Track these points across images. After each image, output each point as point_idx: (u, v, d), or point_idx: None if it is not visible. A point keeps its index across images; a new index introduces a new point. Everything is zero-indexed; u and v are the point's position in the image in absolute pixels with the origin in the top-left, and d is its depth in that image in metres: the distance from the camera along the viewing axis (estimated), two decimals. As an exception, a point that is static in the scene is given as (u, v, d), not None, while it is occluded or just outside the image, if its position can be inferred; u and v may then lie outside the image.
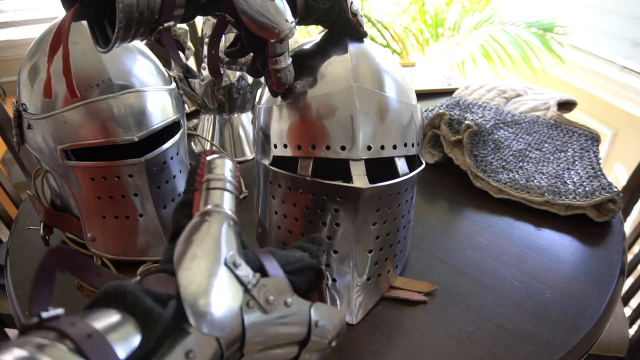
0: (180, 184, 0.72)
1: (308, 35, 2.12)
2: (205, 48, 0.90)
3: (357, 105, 0.56)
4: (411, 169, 0.61)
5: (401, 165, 0.60)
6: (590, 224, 0.80)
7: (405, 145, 0.60)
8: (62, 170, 0.66)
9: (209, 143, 0.98)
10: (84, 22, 0.62)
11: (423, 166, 0.63)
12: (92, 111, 0.63)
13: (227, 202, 0.39)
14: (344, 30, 0.61)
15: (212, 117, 0.98)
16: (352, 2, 0.59)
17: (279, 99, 0.60)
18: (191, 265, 0.34)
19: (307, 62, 0.60)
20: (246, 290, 0.36)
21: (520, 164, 0.92)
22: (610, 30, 1.83)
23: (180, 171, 0.72)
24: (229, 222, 0.38)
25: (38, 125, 0.64)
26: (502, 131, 1.00)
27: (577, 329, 0.61)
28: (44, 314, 0.29)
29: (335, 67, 0.58)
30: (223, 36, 0.65)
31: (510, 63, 2.07)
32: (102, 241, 0.69)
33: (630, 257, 1.05)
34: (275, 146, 0.60)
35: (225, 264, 0.35)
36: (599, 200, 0.79)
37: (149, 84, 0.67)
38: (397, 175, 0.59)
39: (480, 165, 0.90)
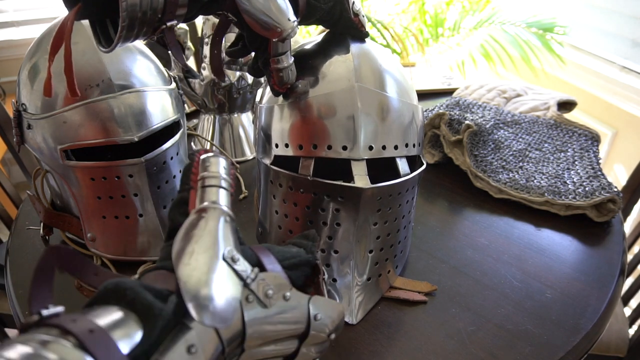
0: (180, 184, 0.72)
1: (308, 36, 2.12)
2: (205, 48, 0.90)
3: (359, 105, 0.56)
4: (412, 169, 0.61)
5: (402, 165, 0.60)
6: (590, 224, 0.80)
7: (407, 145, 0.60)
8: (62, 170, 0.66)
9: (208, 143, 0.98)
10: (84, 22, 0.62)
11: (424, 166, 0.63)
12: (92, 111, 0.63)
13: (223, 199, 0.39)
14: (346, 30, 0.61)
15: (212, 117, 0.98)
16: (353, 2, 0.59)
17: (280, 98, 0.60)
18: (190, 261, 0.34)
19: (309, 61, 0.60)
20: (245, 284, 0.36)
21: (520, 164, 0.92)
22: (610, 30, 1.84)
23: (180, 171, 0.72)
24: (226, 218, 0.38)
25: (38, 125, 0.64)
26: (502, 131, 1.00)
27: (577, 329, 0.61)
28: (45, 312, 0.29)
29: (337, 67, 0.59)
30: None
31: (510, 63, 2.07)
32: (102, 241, 0.69)
33: (630, 257, 1.05)
34: (277, 146, 0.60)
35: (224, 259, 0.36)
36: (599, 200, 0.79)
37: (149, 84, 0.67)
38: (398, 176, 0.59)
39: (480, 165, 0.90)
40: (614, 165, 1.82)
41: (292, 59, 0.56)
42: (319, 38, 0.64)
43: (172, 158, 0.70)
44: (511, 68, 2.10)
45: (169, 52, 0.87)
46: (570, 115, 1.09)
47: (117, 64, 0.64)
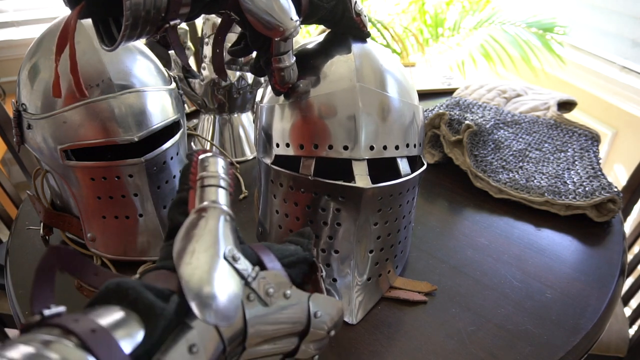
0: (181, 184, 0.72)
1: (308, 35, 2.12)
2: (206, 48, 0.90)
3: (360, 105, 0.56)
4: (413, 170, 0.61)
5: (403, 165, 0.60)
6: (590, 224, 0.80)
7: (407, 145, 0.60)
8: (62, 170, 0.66)
9: (208, 143, 0.98)
10: (84, 22, 0.62)
11: (425, 167, 0.63)
12: (92, 111, 0.63)
13: (222, 198, 0.39)
14: (347, 30, 0.61)
15: (212, 117, 0.98)
16: (355, 2, 0.59)
17: (281, 98, 0.60)
18: (191, 260, 0.34)
19: (311, 61, 0.60)
20: (246, 283, 0.36)
21: (520, 164, 0.92)
22: (610, 30, 1.84)
23: (180, 171, 0.72)
24: (226, 217, 0.38)
25: (38, 125, 0.64)
26: (502, 131, 1.00)
27: (577, 329, 0.61)
28: (46, 312, 0.29)
29: (338, 67, 0.59)
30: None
31: (510, 63, 2.07)
32: (102, 241, 0.69)
33: (630, 257, 1.05)
34: (278, 145, 0.60)
35: (225, 258, 0.36)
36: (599, 200, 0.79)
37: (149, 84, 0.67)
38: (399, 176, 0.59)
39: (480, 165, 0.90)
40: (614, 165, 1.82)
41: (294, 58, 0.56)
42: (321, 38, 0.64)
43: (172, 158, 0.70)
44: (511, 68, 2.10)
45: (170, 51, 0.87)
46: (570, 115, 1.09)
47: (117, 64, 0.64)
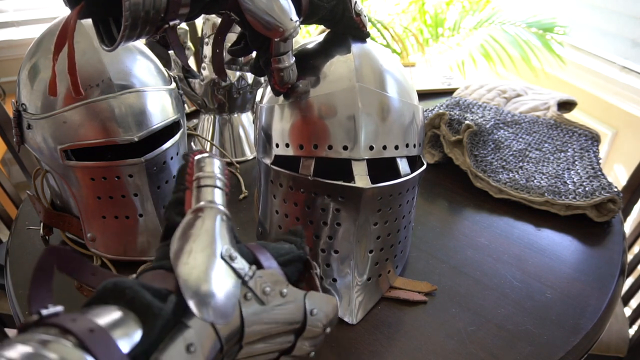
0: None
1: (308, 35, 2.12)
2: (206, 48, 0.90)
3: (360, 105, 0.56)
4: (412, 170, 0.61)
5: (403, 165, 0.60)
6: (590, 224, 0.80)
7: (407, 145, 0.60)
8: (62, 170, 0.66)
9: (208, 143, 0.98)
10: (85, 22, 0.62)
11: (424, 167, 0.63)
12: (92, 111, 0.63)
13: (219, 198, 0.40)
14: (347, 30, 0.61)
15: (212, 117, 0.98)
16: (355, 2, 0.59)
17: (281, 98, 0.60)
18: (189, 260, 0.34)
19: (310, 61, 0.60)
20: (243, 282, 0.36)
21: (520, 164, 0.92)
22: (610, 30, 1.84)
23: (180, 171, 0.72)
24: (222, 217, 0.39)
25: (38, 125, 0.64)
26: (502, 131, 1.00)
27: (577, 329, 0.61)
28: (44, 311, 0.29)
29: (338, 67, 0.59)
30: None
31: (510, 63, 2.07)
32: (102, 241, 0.69)
33: (630, 257, 1.05)
34: (277, 145, 0.60)
35: (222, 257, 0.36)
36: (599, 200, 0.79)
37: (149, 84, 0.67)
38: (398, 176, 0.59)
39: (480, 165, 0.90)
40: (614, 165, 1.82)
41: (294, 58, 0.56)
42: (320, 38, 0.64)
43: (172, 158, 0.70)
44: (511, 68, 2.10)
45: (170, 51, 0.87)
46: (570, 115, 1.09)
47: (117, 64, 0.64)
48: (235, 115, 0.99)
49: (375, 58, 0.60)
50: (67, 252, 0.36)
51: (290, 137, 0.58)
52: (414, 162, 0.64)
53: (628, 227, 1.20)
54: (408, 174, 0.60)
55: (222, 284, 0.34)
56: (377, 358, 0.58)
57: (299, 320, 0.39)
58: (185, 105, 0.77)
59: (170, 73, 0.75)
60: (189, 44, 0.96)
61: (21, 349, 0.25)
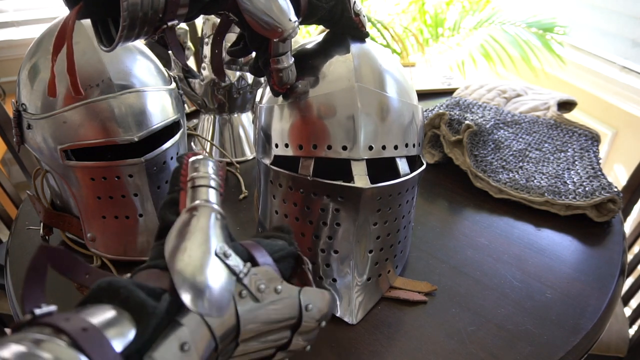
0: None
1: (308, 36, 2.12)
2: (206, 48, 0.90)
3: (359, 105, 0.56)
4: (412, 169, 0.61)
5: (402, 165, 0.60)
6: (590, 224, 0.80)
7: (407, 145, 0.60)
8: (62, 170, 0.66)
9: (209, 143, 0.98)
10: (85, 22, 0.62)
11: (424, 167, 0.63)
12: (92, 111, 0.63)
13: (213, 197, 0.40)
14: (346, 30, 0.61)
15: (212, 117, 0.98)
16: (355, 2, 0.59)
17: (280, 98, 0.60)
18: (184, 257, 0.35)
19: (309, 61, 0.60)
20: (238, 279, 0.37)
21: (520, 164, 0.92)
22: (610, 30, 1.84)
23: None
24: (216, 215, 0.39)
25: (38, 125, 0.64)
26: (502, 131, 1.00)
27: (577, 329, 0.61)
28: (37, 311, 0.29)
29: (337, 67, 0.59)
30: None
31: (510, 63, 2.07)
32: (102, 241, 0.69)
33: (630, 257, 1.05)
34: (277, 146, 0.60)
35: (216, 255, 0.36)
36: (599, 200, 0.79)
37: (149, 84, 0.67)
38: (398, 176, 0.59)
39: (480, 165, 0.90)
40: (614, 165, 1.82)
41: (293, 59, 0.56)
42: (319, 38, 0.64)
43: (172, 158, 0.70)
44: (511, 68, 2.10)
45: (169, 52, 0.87)
46: (570, 115, 1.09)
47: (117, 64, 0.64)
48: (235, 115, 0.99)
49: (374, 58, 0.60)
50: (60, 252, 0.36)
51: (289, 137, 0.58)
52: (413, 162, 0.64)
53: (628, 227, 1.20)
54: (407, 174, 0.60)
55: (216, 278, 0.35)
56: (377, 358, 0.58)
57: (295, 316, 0.39)
58: (185, 105, 0.77)
59: (170, 73, 0.75)
60: (189, 44, 0.96)
61: (15, 349, 0.25)
